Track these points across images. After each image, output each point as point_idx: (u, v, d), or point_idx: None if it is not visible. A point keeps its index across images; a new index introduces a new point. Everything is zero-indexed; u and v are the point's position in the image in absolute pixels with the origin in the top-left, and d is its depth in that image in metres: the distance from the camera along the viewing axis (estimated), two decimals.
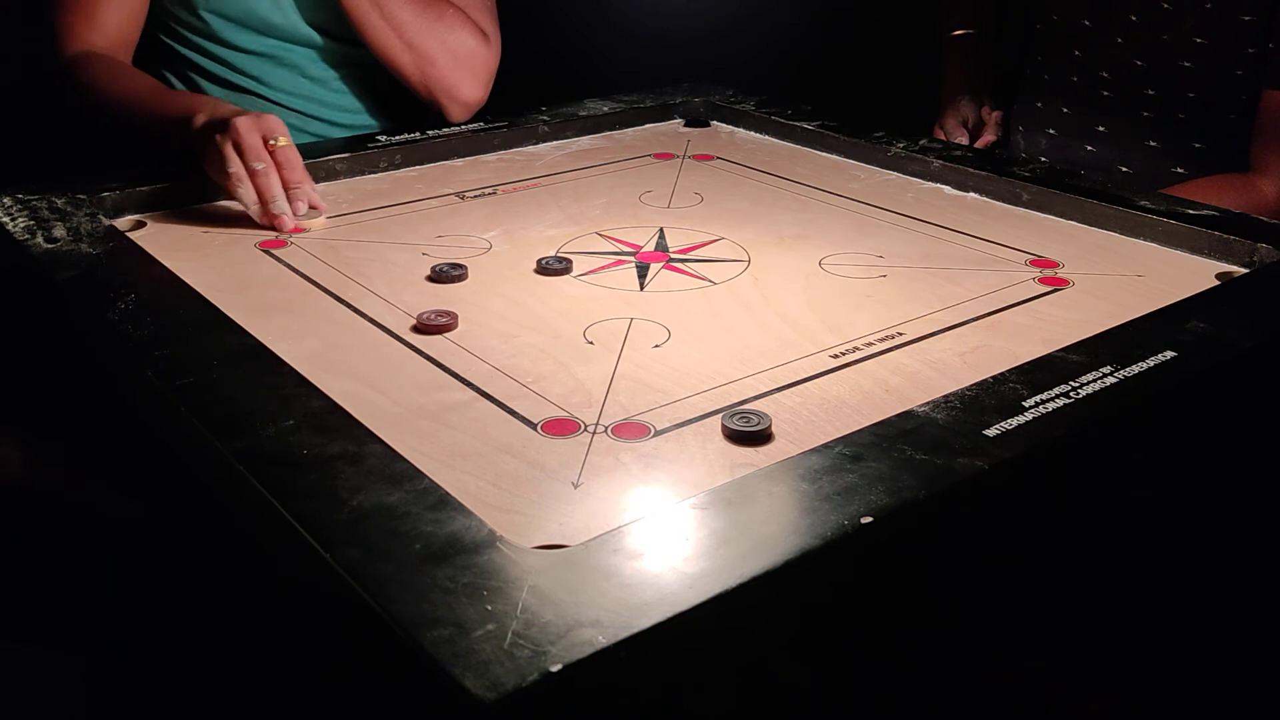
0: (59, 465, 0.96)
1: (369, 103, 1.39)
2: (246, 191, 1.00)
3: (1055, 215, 1.06)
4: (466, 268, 0.93)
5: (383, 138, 1.21)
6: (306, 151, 1.17)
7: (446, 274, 0.92)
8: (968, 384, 0.68)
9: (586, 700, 0.46)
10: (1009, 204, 1.09)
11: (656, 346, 0.80)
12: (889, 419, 0.64)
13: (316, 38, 1.32)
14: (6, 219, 0.97)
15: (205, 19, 1.28)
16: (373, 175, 1.18)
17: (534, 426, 0.69)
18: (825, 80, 1.84)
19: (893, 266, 0.94)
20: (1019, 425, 0.63)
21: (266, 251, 0.97)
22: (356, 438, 0.62)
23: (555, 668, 0.45)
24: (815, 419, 0.70)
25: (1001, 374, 0.69)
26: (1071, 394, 0.67)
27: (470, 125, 1.28)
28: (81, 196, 1.02)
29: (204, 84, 1.33)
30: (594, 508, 0.61)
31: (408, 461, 0.59)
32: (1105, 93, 1.41)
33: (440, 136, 1.24)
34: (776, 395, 0.73)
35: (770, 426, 0.68)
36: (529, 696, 0.44)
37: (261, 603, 0.67)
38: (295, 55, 1.33)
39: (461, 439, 0.68)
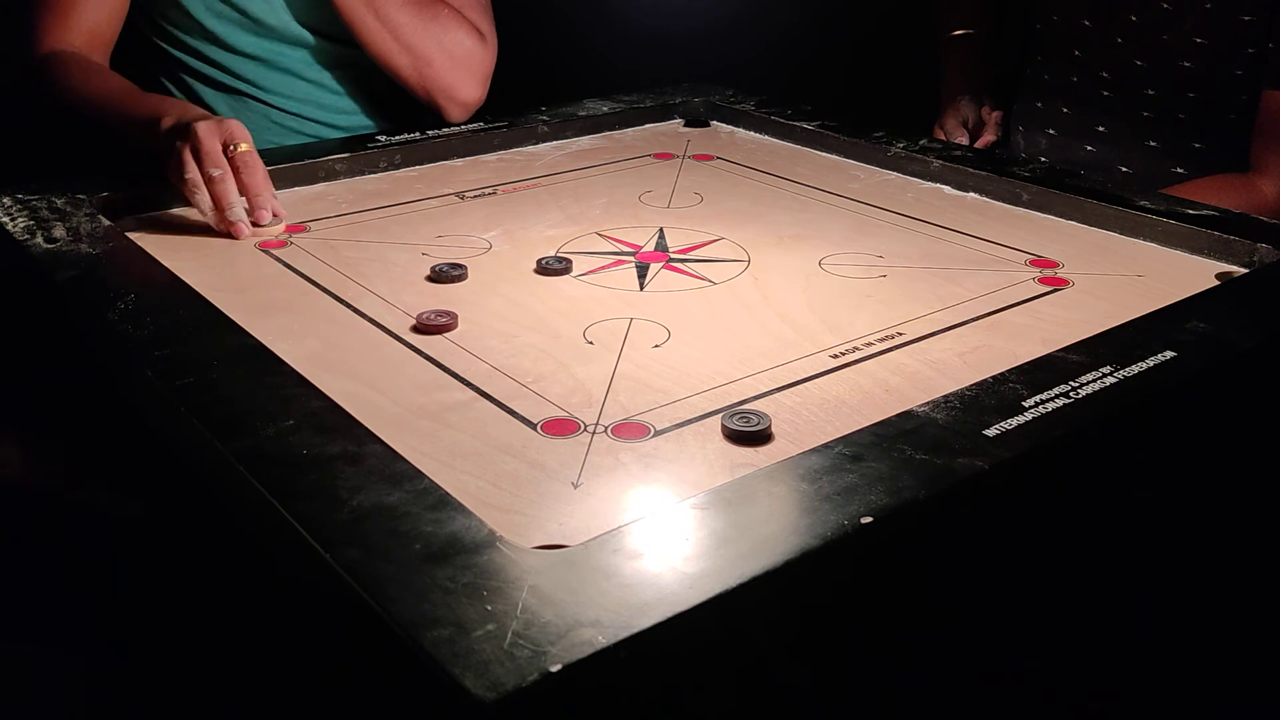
0: (59, 465, 0.96)
1: (365, 103, 1.39)
2: (202, 198, 0.99)
3: (1055, 215, 1.06)
4: (466, 268, 0.93)
5: (383, 138, 1.21)
6: (305, 152, 1.17)
7: (446, 274, 0.92)
8: (968, 384, 0.68)
9: (586, 700, 0.46)
10: (1009, 204, 1.09)
11: (656, 346, 0.80)
12: (889, 419, 0.64)
13: (310, 38, 1.31)
14: (6, 219, 0.97)
15: (197, 18, 1.28)
16: (373, 175, 1.18)
17: (534, 426, 0.69)
18: (825, 80, 1.84)
19: (893, 266, 0.94)
20: (1019, 425, 0.63)
21: (266, 251, 0.97)
22: (356, 438, 0.62)
23: (555, 668, 0.45)
24: (815, 419, 0.70)
25: (1001, 374, 0.69)
26: (1071, 394, 0.67)
27: (470, 125, 1.28)
28: (81, 196, 1.02)
29: (199, 87, 1.33)
30: (594, 508, 0.61)
31: (408, 461, 0.59)
32: (1105, 93, 1.41)
33: (440, 136, 1.24)
34: (776, 395, 0.73)
35: (770, 426, 0.68)
36: (529, 696, 0.44)
37: (261, 603, 0.67)
38: (290, 57, 1.32)
39: (461, 439, 0.68)
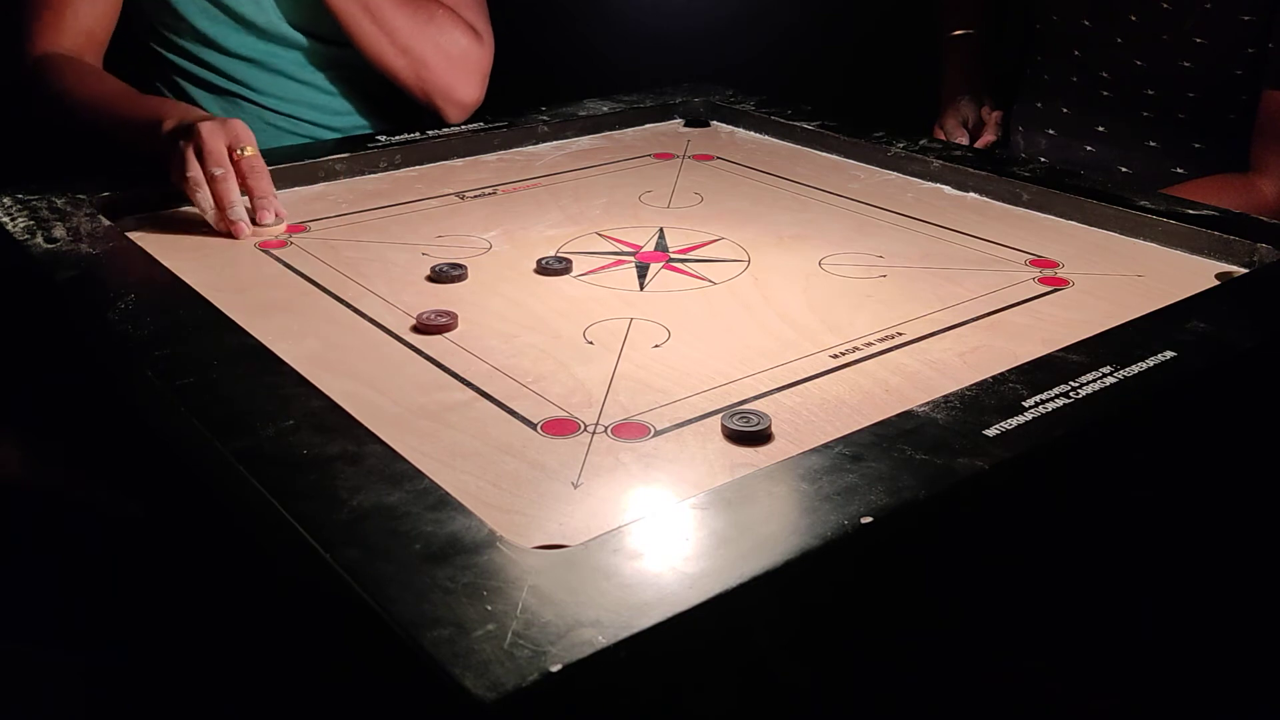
0: (59, 465, 0.96)
1: (359, 103, 1.38)
2: (204, 197, 0.99)
3: (1055, 215, 1.06)
4: (466, 268, 0.93)
5: (383, 138, 1.21)
6: (305, 152, 1.17)
7: (446, 274, 0.92)
8: (968, 384, 0.68)
9: (586, 700, 0.46)
10: (1009, 204, 1.09)
11: (656, 346, 0.80)
12: (889, 419, 0.64)
13: (302, 39, 1.31)
14: (6, 219, 0.97)
15: (189, 20, 1.27)
16: (373, 175, 1.18)
17: (534, 426, 0.69)
18: (825, 80, 1.84)
19: (893, 266, 0.94)
20: (1019, 425, 0.63)
21: (266, 251, 0.97)
22: (356, 438, 0.62)
23: (555, 668, 0.45)
24: (815, 419, 0.70)
25: (1001, 374, 0.69)
26: (1071, 394, 0.67)
27: (470, 125, 1.28)
28: (81, 196, 1.02)
29: (192, 89, 1.33)
30: (594, 508, 0.61)
31: (408, 461, 0.59)
32: (1105, 93, 1.41)
33: (440, 136, 1.24)
34: (776, 395, 0.73)
35: (770, 426, 0.68)
36: (529, 696, 0.44)
37: (261, 603, 0.67)
38: (283, 58, 1.32)
39: (461, 439, 0.68)
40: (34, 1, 1.22)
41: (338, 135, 1.35)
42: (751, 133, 1.34)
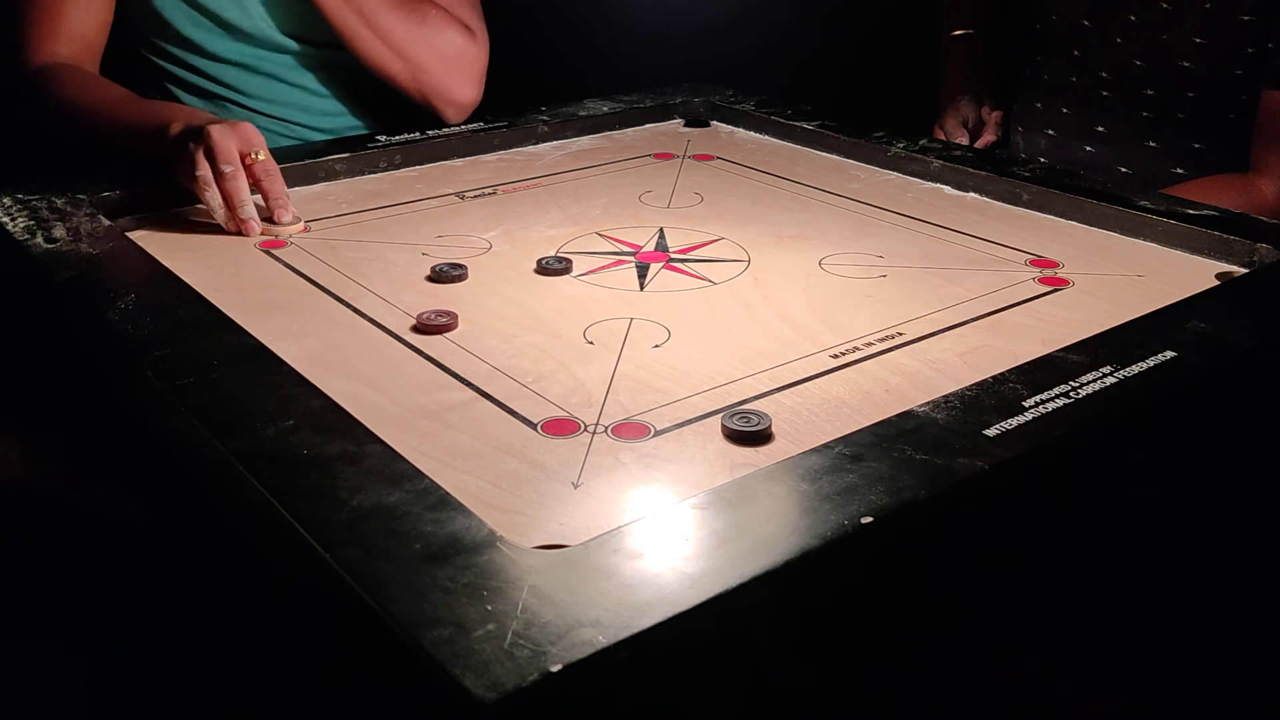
0: (59, 465, 0.96)
1: (350, 104, 1.38)
2: (213, 195, 0.99)
3: (1055, 215, 1.06)
4: (466, 268, 0.93)
5: (382, 138, 1.21)
6: (305, 152, 1.17)
7: (446, 274, 0.92)
8: (968, 384, 0.68)
9: (586, 700, 0.46)
10: (1009, 204, 1.09)
11: (656, 346, 0.80)
12: (889, 419, 0.64)
13: (289, 43, 1.30)
14: (6, 219, 0.96)
15: (175, 25, 1.27)
16: (373, 175, 1.18)
17: (534, 426, 0.69)
18: (825, 80, 1.84)
19: (893, 266, 0.94)
20: (1019, 425, 0.63)
21: (266, 251, 0.97)
22: (356, 438, 0.62)
23: (555, 668, 0.45)
24: (815, 419, 0.70)
25: (1001, 374, 0.69)
26: (1071, 394, 0.67)
27: (470, 125, 1.28)
28: (81, 196, 1.02)
29: (182, 95, 1.32)
30: (594, 508, 0.61)
31: (408, 461, 0.59)
32: (1105, 93, 1.41)
33: (440, 136, 1.24)
34: (776, 395, 0.73)
35: (770, 426, 0.68)
36: (529, 696, 0.44)
37: (261, 603, 0.67)
38: (271, 61, 1.32)
39: (461, 439, 0.68)
40: (29, 11, 1.22)
41: (329, 137, 1.35)
42: (751, 133, 1.34)
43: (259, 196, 1.02)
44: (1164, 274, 0.93)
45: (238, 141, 1.00)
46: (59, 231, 0.94)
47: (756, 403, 0.72)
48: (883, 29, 1.90)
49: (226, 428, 0.63)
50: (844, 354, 0.79)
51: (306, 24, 1.28)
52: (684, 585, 0.50)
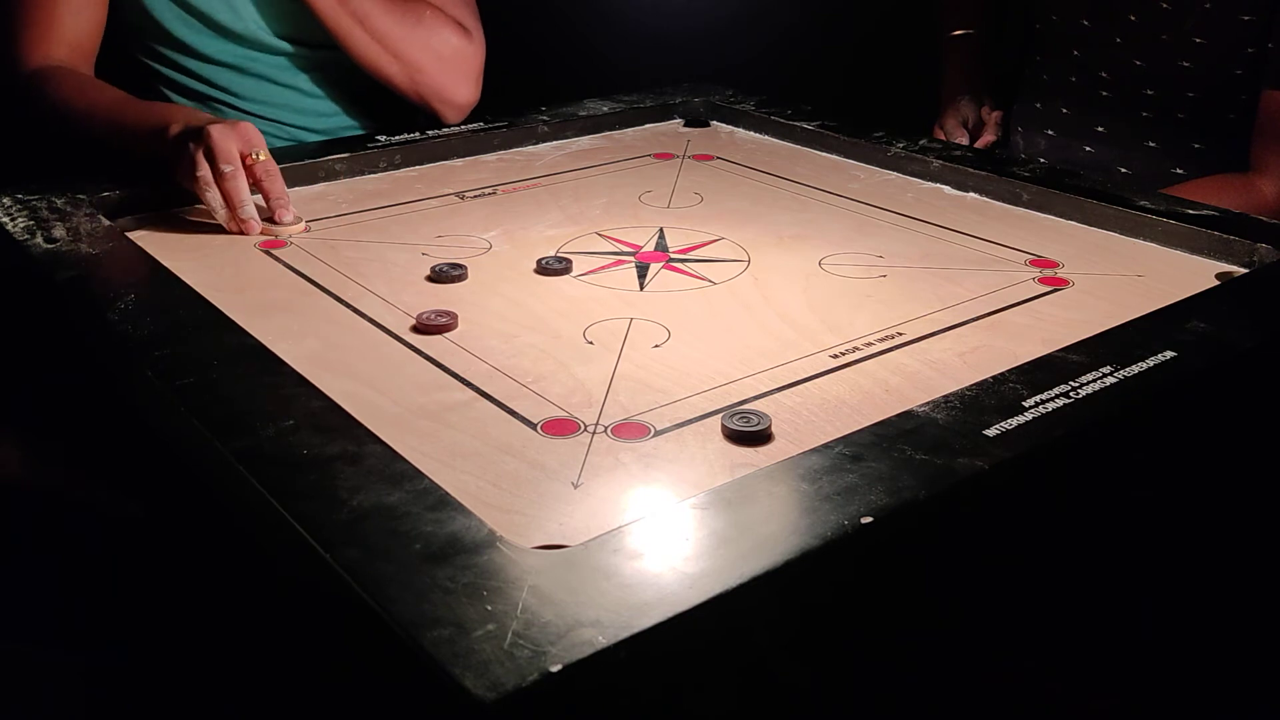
0: (59, 465, 0.96)
1: (344, 104, 1.38)
2: (214, 196, 0.99)
3: (1055, 215, 1.06)
4: (466, 268, 0.93)
5: (382, 138, 1.21)
6: (305, 152, 1.17)
7: (446, 274, 0.92)
8: (968, 384, 0.68)
9: (586, 700, 0.46)
10: (1009, 204, 1.09)
11: (656, 346, 0.80)
12: (889, 419, 0.64)
13: (282, 44, 1.30)
14: (6, 219, 0.96)
15: (167, 27, 1.27)
16: (373, 175, 1.18)
17: (534, 426, 0.69)
18: (825, 80, 1.84)
19: (893, 266, 0.94)
20: (1019, 425, 0.63)
21: (266, 252, 0.97)
22: (356, 438, 0.62)
23: (555, 668, 0.45)
24: (815, 419, 0.70)
25: (1001, 374, 0.69)
26: (1071, 394, 0.67)
27: (470, 125, 1.28)
28: (81, 196, 1.02)
29: (175, 97, 1.32)
30: (594, 508, 0.61)
31: (408, 461, 0.59)
32: (1104, 93, 1.41)
33: (440, 136, 1.24)
34: (776, 395, 0.73)
35: (770, 426, 0.68)
36: (529, 696, 0.44)
37: (261, 603, 0.67)
38: (263, 62, 1.31)
39: (461, 439, 0.68)
40: (22, 15, 1.22)
41: (324, 137, 1.34)
42: (751, 133, 1.34)
43: (259, 196, 1.02)
44: (1164, 274, 0.93)
45: (238, 141, 1.00)
46: (59, 231, 0.94)
47: (756, 403, 0.72)
48: (883, 29, 1.90)
49: (226, 428, 0.63)
50: (844, 354, 0.79)
51: (299, 25, 1.28)
52: (684, 585, 0.50)
